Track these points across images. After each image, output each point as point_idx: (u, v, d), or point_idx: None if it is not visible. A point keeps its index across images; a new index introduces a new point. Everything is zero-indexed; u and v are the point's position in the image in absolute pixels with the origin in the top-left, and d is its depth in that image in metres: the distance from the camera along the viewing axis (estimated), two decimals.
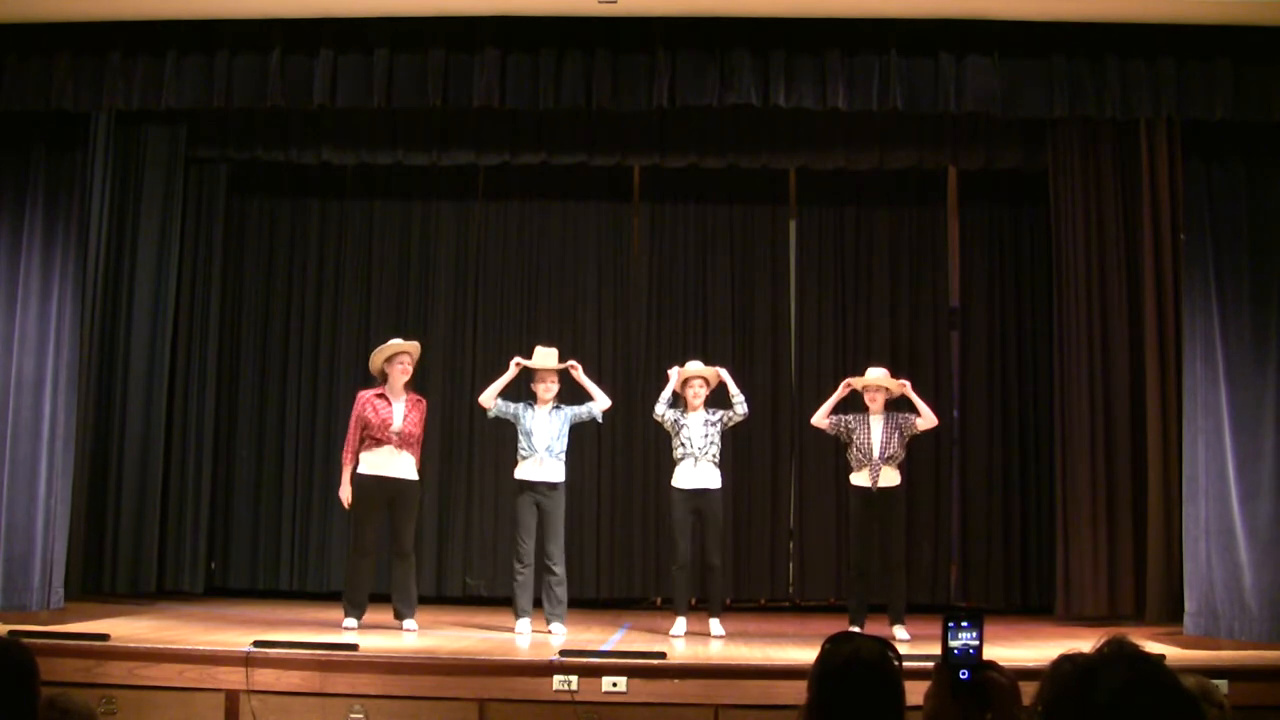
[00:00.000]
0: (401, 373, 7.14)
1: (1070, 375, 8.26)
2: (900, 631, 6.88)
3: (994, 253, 9.15)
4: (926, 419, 7.17)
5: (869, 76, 6.56)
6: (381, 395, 7.13)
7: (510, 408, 7.18)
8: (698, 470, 7.15)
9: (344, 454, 7.08)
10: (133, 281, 8.68)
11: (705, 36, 6.59)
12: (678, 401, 7.34)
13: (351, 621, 6.83)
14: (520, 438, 7.11)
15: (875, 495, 7.10)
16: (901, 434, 7.17)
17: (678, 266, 9.29)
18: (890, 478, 7.12)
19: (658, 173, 9.14)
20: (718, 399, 7.38)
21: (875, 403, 7.22)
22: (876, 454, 7.11)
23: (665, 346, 9.13)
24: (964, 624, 2.34)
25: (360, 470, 7.00)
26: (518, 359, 7.30)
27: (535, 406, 7.15)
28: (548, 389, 7.16)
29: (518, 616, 6.93)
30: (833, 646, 2.48)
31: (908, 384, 7.31)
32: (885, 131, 8.60)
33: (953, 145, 8.73)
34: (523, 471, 7.07)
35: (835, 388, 9.04)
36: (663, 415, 7.29)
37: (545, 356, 7.26)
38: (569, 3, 6.51)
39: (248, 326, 9.29)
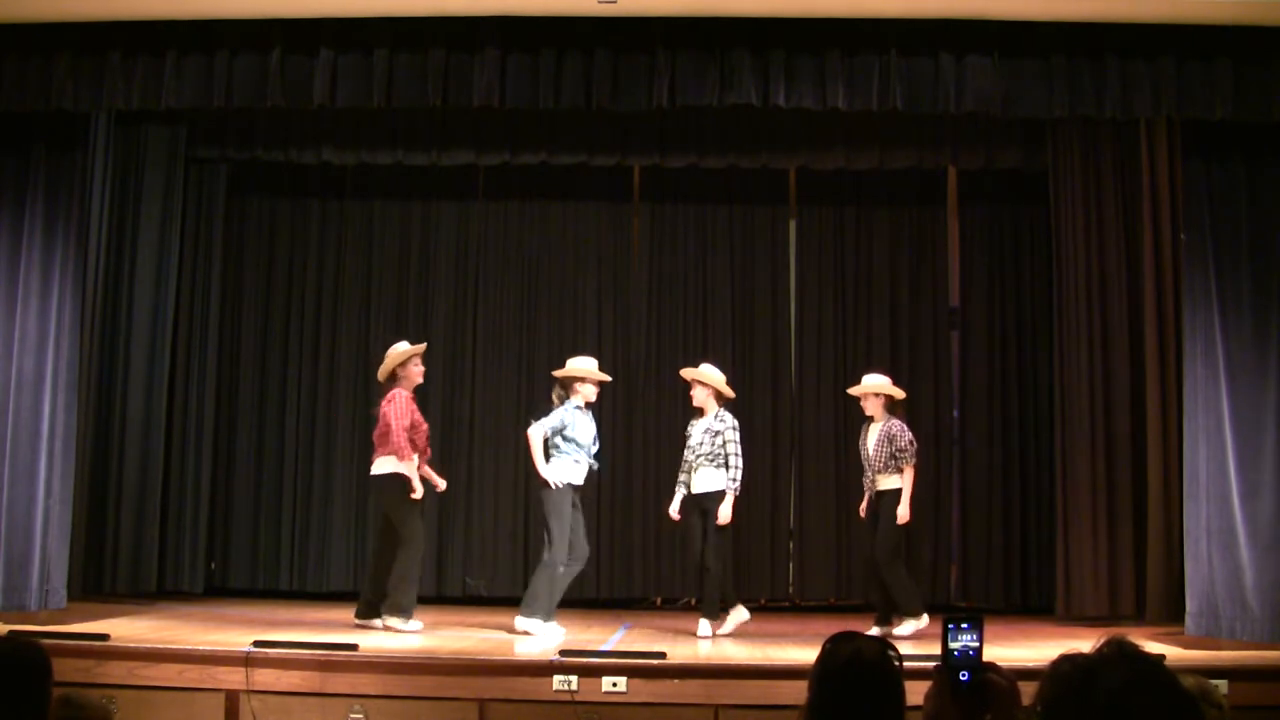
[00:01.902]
0: (419, 375, 7.15)
1: (1070, 375, 8.26)
2: (901, 628, 6.87)
3: (994, 253, 9.16)
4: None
5: (869, 76, 6.55)
6: (411, 399, 7.10)
7: (558, 420, 7.04)
8: (699, 475, 7.14)
9: (405, 452, 6.86)
10: (133, 281, 8.69)
11: (705, 36, 6.58)
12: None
13: (416, 624, 6.86)
14: (571, 443, 7.01)
15: (874, 497, 7.14)
16: (893, 444, 7.09)
17: (678, 266, 9.29)
18: (888, 483, 7.11)
19: (658, 173, 9.14)
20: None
21: (867, 410, 7.28)
22: (870, 466, 7.18)
23: (665, 346, 9.15)
24: (964, 626, 2.34)
25: (406, 471, 6.92)
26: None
27: (582, 410, 7.11)
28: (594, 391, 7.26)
29: (551, 619, 6.87)
30: (833, 646, 2.48)
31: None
32: (885, 131, 8.59)
33: (953, 145, 8.73)
34: (574, 475, 7.00)
35: (835, 387, 9.09)
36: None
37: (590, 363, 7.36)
38: (569, 3, 6.50)
39: (248, 326, 9.29)
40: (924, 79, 6.56)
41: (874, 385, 7.25)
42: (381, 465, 7.01)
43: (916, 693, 2.37)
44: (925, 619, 6.91)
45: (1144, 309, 8.09)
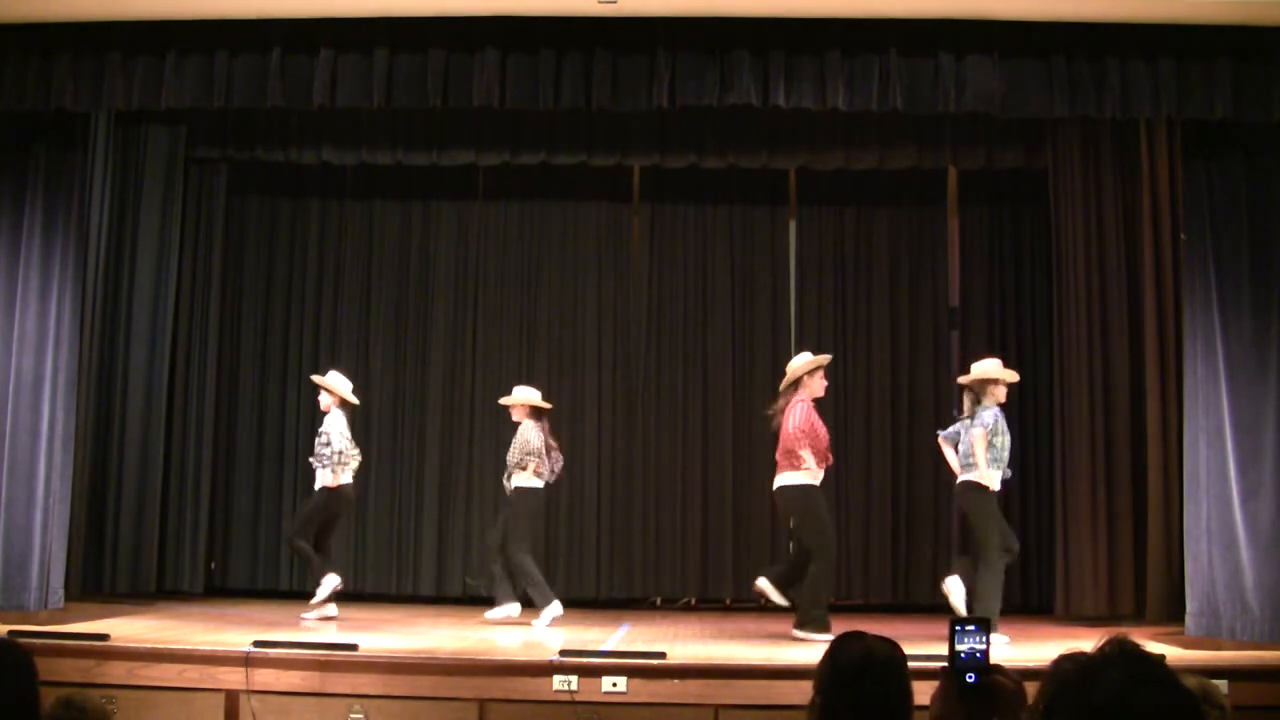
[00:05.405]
0: (822, 387, 7.07)
1: (1070, 375, 8.25)
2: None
3: (994, 253, 9.15)
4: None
5: (869, 76, 6.56)
6: (813, 408, 7.00)
7: (991, 421, 6.77)
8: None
9: (802, 461, 6.79)
10: (133, 281, 8.69)
11: (705, 36, 6.58)
12: None
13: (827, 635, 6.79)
14: (994, 447, 6.73)
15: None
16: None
17: (678, 266, 9.29)
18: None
19: (658, 173, 9.14)
20: None
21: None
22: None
23: (665, 347, 9.14)
24: (971, 628, 2.33)
25: (816, 483, 6.88)
26: None
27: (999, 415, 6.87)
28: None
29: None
30: (843, 646, 2.48)
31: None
32: (885, 131, 8.59)
33: (953, 145, 8.73)
34: (998, 480, 6.81)
35: (835, 388, 9.06)
36: None
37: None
38: (569, 3, 6.50)
39: (248, 326, 9.29)
40: (924, 79, 6.56)
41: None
42: (784, 478, 6.91)
43: (923, 693, 2.37)
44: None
45: (1144, 309, 8.09)
